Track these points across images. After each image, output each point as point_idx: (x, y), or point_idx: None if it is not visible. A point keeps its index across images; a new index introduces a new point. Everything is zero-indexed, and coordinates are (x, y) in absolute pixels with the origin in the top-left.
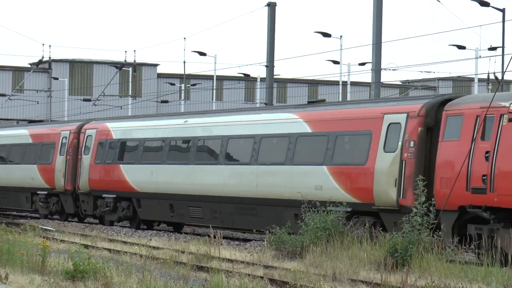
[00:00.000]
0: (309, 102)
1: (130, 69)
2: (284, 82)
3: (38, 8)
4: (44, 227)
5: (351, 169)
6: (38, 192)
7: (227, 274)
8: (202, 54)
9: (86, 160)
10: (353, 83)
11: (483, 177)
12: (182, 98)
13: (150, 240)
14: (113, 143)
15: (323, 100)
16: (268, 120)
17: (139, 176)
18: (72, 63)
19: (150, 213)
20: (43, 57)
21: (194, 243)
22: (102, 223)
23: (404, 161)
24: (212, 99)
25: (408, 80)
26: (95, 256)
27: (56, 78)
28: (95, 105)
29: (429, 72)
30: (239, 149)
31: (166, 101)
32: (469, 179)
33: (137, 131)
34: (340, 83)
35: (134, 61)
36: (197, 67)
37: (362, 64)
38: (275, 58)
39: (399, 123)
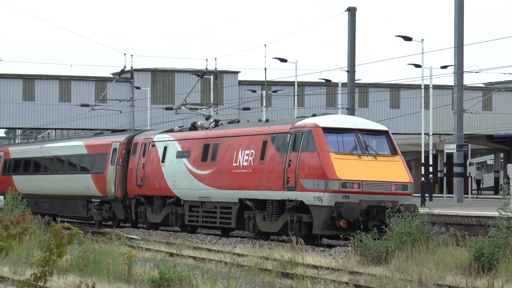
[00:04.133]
0: (94, 134)
1: (212, 77)
2: (366, 86)
3: (119, 19)
4: (130, 236)
5: (99, 175)
6: None
7: (312, 280)
8: (283, 60)
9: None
10: (435, 87)
11: (141, 178)
12: (264, 104)
13: (235, 247)
14: (10, 161)
15: (101, 133)
16: (72, 145)
17: (20, 183)
18: (154, 72)
19: (28, 207)
20: (125, 67)
21: (279, 250)
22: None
23: (117, 170)
24: (294, 106)
25: (491, 82)
26: (181, 264)
27: (138, 88)
28: (177, 113)
29: None
30: (60, 164)
31: (248, 108)
32: (137, 179)
33: (21, 153)
34: (422, 86)
35: (215, 69)
36: (278, 73)
37: (444, 67)
38: (356, 63)
39: (116, 148)
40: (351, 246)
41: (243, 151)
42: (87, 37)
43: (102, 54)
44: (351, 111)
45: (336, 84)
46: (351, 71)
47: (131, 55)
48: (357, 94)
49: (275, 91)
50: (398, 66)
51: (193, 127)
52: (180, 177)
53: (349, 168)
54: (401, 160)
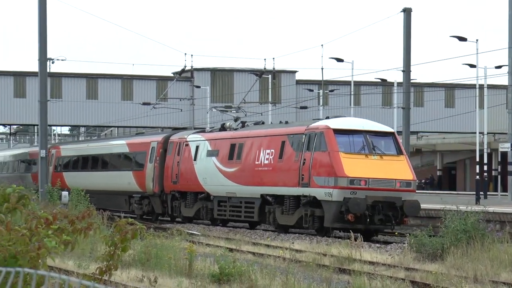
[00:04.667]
0: (136, 134)
1: (270, 76)
2: (421, 86)
3: (180, 19)
4: (190, 232)
5: (139, 172)
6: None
7: (369, 276)
8: (339, 60)
9: (50, 169)
10: (490, 86)
11: (176, 175)
12: (321, 103)
13: (293, 243)
14: (60, 159)
15: (142, 133)
16: (115, 144)
17: (69, 179)
18: (213, 71)
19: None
20: (185, 66)
21: (336, 246)
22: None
23: (155, 168)
24: (350, 105)
25: None
26: (240, 259)
27: (198, 87)
28: (235, 112)
29: None
30: (104, 162)
31: (305, 107)
32: (172, 176)
33: (70, 151)
34: (477, 86)
35: (273, 68)
36: (334, 73)
37: (499, 67)
38: (412, 62)
39: (154, 147)
40: (407, 243)
41: (265, 150)
42: (149, 37)
43: (163, 54)
44: (406, 110)
45: (391, 84)
46: (407, 70)
47: (191, 55)
48: (413, 93)
49: (332, 90)
50: (453, 66)
51: (223, 128)
52: (210, 174)
53: (357, 166)
54: (406, 159)
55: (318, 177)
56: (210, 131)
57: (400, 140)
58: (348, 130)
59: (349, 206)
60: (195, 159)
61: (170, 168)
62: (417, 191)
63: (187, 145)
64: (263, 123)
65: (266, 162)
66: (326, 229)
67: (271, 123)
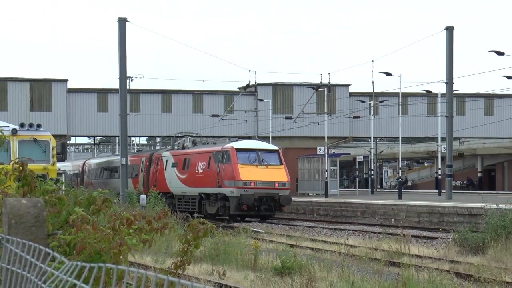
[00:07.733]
0: (137, 151)
1: (325, 89)
2: (463, 96)
3: (244, 40)
4: (255, 230)
5: (135, 179)
6: None
7: (416, 268)
8: (388, 74)
9: (86, 179)
10: None
11: (155, 180)
12: (372, 113)
13: (347, 239)
14: (90, 170)
15: (141, 150)
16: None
17: (96, 186)
18: (275, 86)
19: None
20: (250, 82)
21: (386, 241)
22: None
23: (144, 175)
24: (398, 114)
25: None
26: (300, 254)
27: (261, 100)
28: (295, 122)
29: None
30: (116, 171)
31: (358, 117)
32: (153, 181)
33: (95, 164)
34: None
35: (329, 82)
36: (384, 86)
37: None
38: (454, 75)
39: (143, 161)
40: (451, 238)
41: (200, 163)
42: (217, 56)
43: (229, 71)
44: (449, 118)
45: (436, 95)
46: (450, 82)
47: (255, 72)
48: (455, 103)
49: (382, 101)
50: (492, 78)
51: (183, 147)
52: (173, 179)
53: (249, 173)
54: (284, 168)
55: (226, 180)
56: (176, 149)
57: (281, 154)
58: (246, 149)
59: (242, 200)
60: (165, 169)
61: (151, 176)
62: (459, 191)
63: (161, 159)
64: (208, 143)
65: (201, 171)
66: (231, 215)
67: (214, 143)
